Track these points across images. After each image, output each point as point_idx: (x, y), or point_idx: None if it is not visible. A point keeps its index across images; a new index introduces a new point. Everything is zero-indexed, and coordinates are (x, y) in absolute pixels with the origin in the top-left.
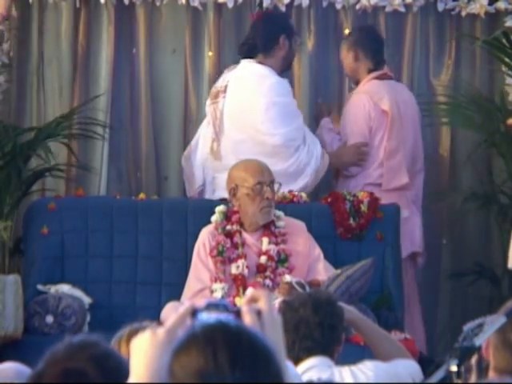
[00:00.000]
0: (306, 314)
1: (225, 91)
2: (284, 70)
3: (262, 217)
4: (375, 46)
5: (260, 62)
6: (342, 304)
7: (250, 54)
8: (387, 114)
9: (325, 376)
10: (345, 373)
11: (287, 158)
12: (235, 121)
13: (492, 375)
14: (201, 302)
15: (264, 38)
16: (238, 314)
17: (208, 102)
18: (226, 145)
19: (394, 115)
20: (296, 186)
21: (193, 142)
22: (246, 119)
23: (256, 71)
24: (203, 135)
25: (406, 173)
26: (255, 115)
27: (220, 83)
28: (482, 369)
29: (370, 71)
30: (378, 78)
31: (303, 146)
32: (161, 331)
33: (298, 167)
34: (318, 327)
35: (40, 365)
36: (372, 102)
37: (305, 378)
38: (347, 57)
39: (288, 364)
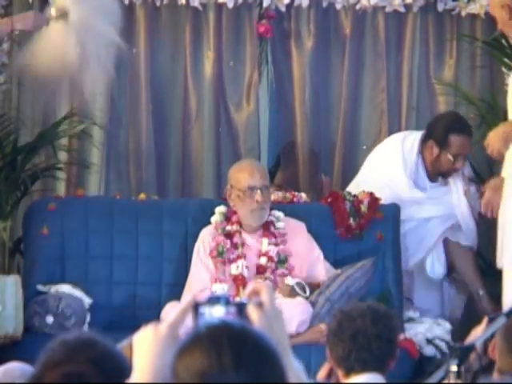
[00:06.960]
0: (365, 325)
1: None
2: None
3: (252, 219)
4: None
5: None
6: None
7: None
8: None
9: None
10: None
11: None
12: None
13: (496, 376)
14: (202, 297)
15: None
16: (239, 306)
17: None
18: None
19: None
20: None
21: None
22: None
23: None
24: None
25: None
26: None
27: None
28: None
29: None
30: None
31: None
32: (163, 326)
33: None
34: (376, 339)
35: (37, 367)
36: None
37: None
38: None
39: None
